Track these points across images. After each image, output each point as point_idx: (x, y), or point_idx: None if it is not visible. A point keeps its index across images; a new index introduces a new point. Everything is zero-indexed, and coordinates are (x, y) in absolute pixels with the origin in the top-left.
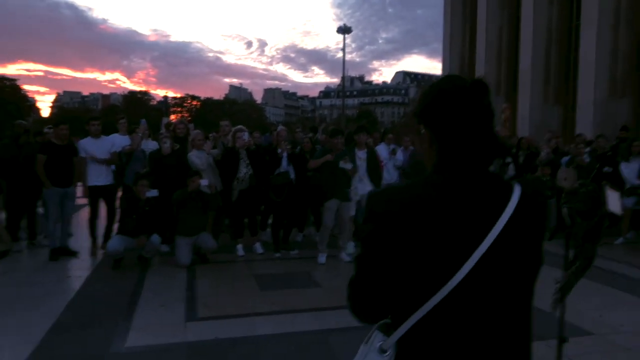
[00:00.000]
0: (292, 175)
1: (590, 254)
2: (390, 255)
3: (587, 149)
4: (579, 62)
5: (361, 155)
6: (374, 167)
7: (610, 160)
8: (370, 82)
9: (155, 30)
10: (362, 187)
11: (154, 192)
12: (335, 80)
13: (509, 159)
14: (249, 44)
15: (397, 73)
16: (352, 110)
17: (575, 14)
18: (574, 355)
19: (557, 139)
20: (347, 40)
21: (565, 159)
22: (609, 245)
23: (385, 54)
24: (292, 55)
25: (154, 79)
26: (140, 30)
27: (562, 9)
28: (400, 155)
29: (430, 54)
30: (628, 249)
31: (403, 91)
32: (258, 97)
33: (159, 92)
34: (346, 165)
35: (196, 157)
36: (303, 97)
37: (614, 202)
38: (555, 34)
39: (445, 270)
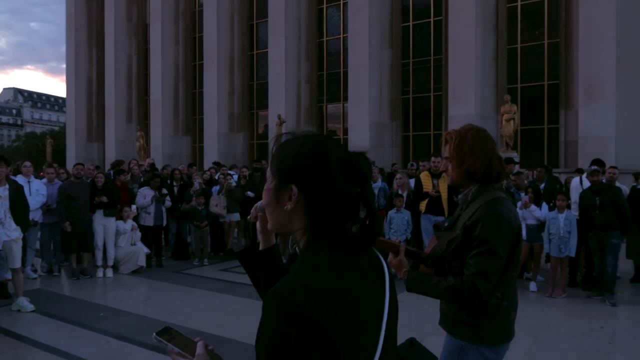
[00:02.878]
0: None
1: None
2: None
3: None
4: (204, 98)
5: (1, 192)
6: (20, 206)
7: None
8: None
9: None
10: (4, 232)
11: None
12: None
13: (165, 191)
14: None
15: (6, 89)
16: None
17: (198, 54)
18: None
19: (210, 171)
20: None
21: (215, 188)
22: None
23: None
24: None
25: None
26: None
27: (186, 48)
28: (44, 190)
29: (49, 71)
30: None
31: (14, 110)
32: None
33: None
34: None
35: None
36: None
37: None
38: (182, 70)
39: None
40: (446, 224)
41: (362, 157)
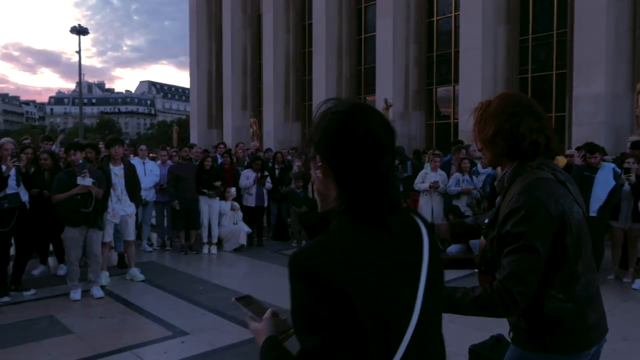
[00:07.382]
0: (25, 198)
1: None
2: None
3: None
4: (313, 85)
5: (117, 171)
6: (133, 184)
7: None
8: (111, 90)
9: None
10: (120, 207)
11: None
12: (71, 85)
13: (266, 173)
14: None
15: (142, 82)
16: (92, 119)
17: (307, 42)
18: None
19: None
20: (87, 44)
21: None
22: None
23: (131, 62)
24: (16, 53)
25: None
26: None
27: (296, 36)
28: (157, 170)
29: (179, 66)
30: None
31: (149, 101)
32: None
33: None
34: (85, 181)
35: None
36: (28, 102)
37: None
38: (292, 57)
39: (398, 317)
40: (486, 220)
41: (385, 127)
